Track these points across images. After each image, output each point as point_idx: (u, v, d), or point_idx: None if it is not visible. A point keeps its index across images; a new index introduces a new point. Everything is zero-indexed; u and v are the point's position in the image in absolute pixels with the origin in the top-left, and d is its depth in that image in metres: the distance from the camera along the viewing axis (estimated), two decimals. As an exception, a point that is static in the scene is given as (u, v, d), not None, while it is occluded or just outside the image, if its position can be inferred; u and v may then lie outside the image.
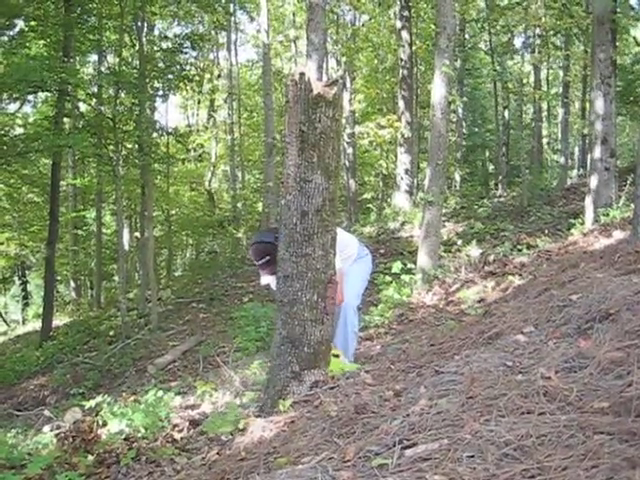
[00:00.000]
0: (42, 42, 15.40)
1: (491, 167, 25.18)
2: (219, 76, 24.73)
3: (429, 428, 1.89)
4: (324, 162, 3.10)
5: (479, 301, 5.30)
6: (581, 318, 2.87)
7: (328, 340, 3.31)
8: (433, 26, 16.70)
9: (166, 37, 16.97)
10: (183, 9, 16.89)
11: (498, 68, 19.81)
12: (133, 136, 15.92)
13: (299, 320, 3.19)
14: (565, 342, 2.58)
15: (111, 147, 15.65)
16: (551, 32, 18.20)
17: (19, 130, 17.25)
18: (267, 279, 3.86)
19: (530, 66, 23.52)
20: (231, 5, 19.68)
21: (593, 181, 9.68)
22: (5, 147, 14.29)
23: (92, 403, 4.46)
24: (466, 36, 21.46)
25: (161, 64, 15.84)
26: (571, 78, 21.54)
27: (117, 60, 17.22)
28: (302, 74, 3.06)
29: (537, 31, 18.00)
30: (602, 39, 9.73)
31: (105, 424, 3.80)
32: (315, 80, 3.07)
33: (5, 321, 28.63)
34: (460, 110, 21.74)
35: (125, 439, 3.42)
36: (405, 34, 16.87)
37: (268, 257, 3.71)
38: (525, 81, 23.64)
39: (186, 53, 16.84)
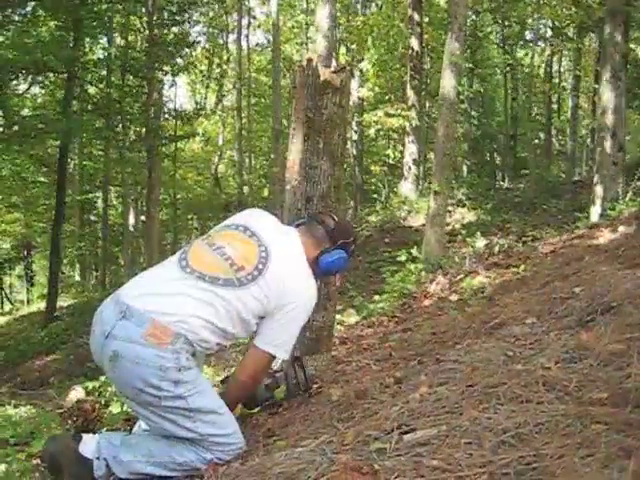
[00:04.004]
0: (53, 23, 15.38)
1: (498, 159, 25.11)
2: (228, 60, 24.69)
3: (428, 415, 1.91)
4: (330, 148, 3.10)
5: (482, 291, 5.31)
6: (583, 310, 2.88)
7: (330, 326, 3.33)
8: (445, 15, 16.64)
9: (176, 20, 16.92)
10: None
11: (508, 58, 19.72)
12: (140, 119, 15.95)
13: (301, 306, 3.19)
14: (566, 334, 2.59)
15: (118, 129, 15.69)
16: (564, 24, 18.07)
17: (27, 111, 17.26)
18: None
19: (541, 59, 23.42)
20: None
21: (601, 175, 9.66)
22: (15, 127, 14.33)
23: (95, 384, 4.50)
24: (477, 25, 21.34)
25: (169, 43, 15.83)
26: (581, 71, 21.42)
27: (124, 43, 17.21)
28: (310, 60, 3.06)
29: (549, 23, 17.90)
30: (614, 32, 9.67)
31: (107, 405, 3.83)
32: (323, 66, 3.06)
33: (10, 301, 28.80)
34: (470, 100, 21.64)
35: (126, 419, 3.45)
36: (416, 23, 16.78)
37: None
38: (535, 73, 23.54)
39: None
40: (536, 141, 22.97)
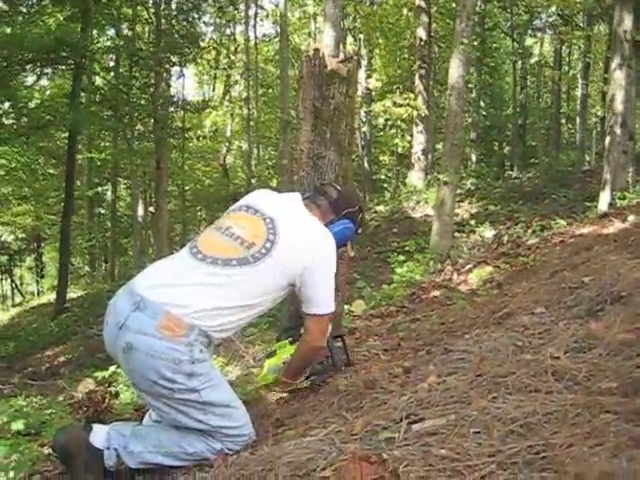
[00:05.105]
0: (61, 15, 15.38)
1: (507, 148, 25.01)
2: (236, 51, 24.64)
3: (437, 404, 1.91)
4: (337, 138, 3.09)
5: (491, 281, 5.30)
6: (592, 300, 2.87)
7: (338, 316, 3.32)
8: (453, 4, 16.56)
9: (183, 10, 16.89)
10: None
11: (517, 46, 19.60)
12: (147, 110, 15.96)
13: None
14: (575, 323, 2.58)
15: (126, 121, 15.70)
16: (574, 11, 17.93)
17: (35, 103, 17.27)
18: None
19: (550, 46, 23.26)
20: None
21: (610, 164, 9.60)
22: (24, 118, 14.36)
23: (105, 374, 4.52)
24: (487, 14, 21.20)
25: (177, 36, 15.81)
26: (591, 59, 21.26)
27: (132, 34, 17.18)
28: (316, 50, 3.05)
29: (559, 10, 17.74)
30: (624, 19, 9.58)
31: (117, 395, 3.85)
32: (330, 56, 3.06)
33: (20, 292, 28.97)
34: (478, 89, 21.53)
35: (136, 409, 3.47)
36: (424, 11, 16.69)
37: None
38: (544, 62, 23.40)
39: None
40: (543, 131, 22.87)
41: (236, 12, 23.02)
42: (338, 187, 2.84)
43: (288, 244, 2.48)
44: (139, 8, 17.24)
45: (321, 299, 2.58)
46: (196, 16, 17.25)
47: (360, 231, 2.93)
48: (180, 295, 2.32)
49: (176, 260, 2.53)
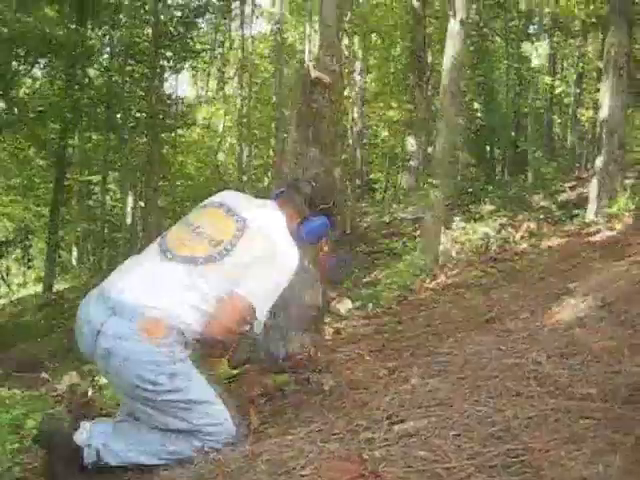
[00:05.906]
0: (50, 9, 15.30)
1: (498, 151, 25.00)
2: (230, 48, 24.57)
3: (418, 406, 1.92)
4: (319, 138, 3.40)
5: (478, 285, 5.32)
6: (577, 306, 2.89)
7: (318, 307, 3.30)
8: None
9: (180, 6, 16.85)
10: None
11: (512, 51, 19.66)
12: (141, 105, 15.90)
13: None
14: (560, 329, 2.60)
15: (119, 115, 15.63)
16: (569, 19, 18.01)
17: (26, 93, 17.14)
18: None
19: (544, 52, 23.34)
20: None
21: (600, 172, 9.64)
22: (17, 110, 14.28)
23: (90, 367, 4.50)
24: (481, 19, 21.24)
25: (174, 31, 15.76)
26: (584, 67, 21.36)
27: (129, 33, 17.06)
28: (302, 61, 3.32)
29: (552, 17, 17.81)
30: (617, 29, 9.62)
31: (101, 388, 3.84)
32: (313, 67, 3.48)
33: (7, 284, 28.78)
34: (471, 92, 21.56)
35: (119, 404, 3.46)
36: (419, 16, 16.73)
37: None
38: (539, 68, 23.48)
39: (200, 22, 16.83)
40: (535, 136, 22.93)
41: (231, 8, 22.95)
42: (312, 183, 2.80)
43: (251, 245, 2.44)
44: (137, 3, 17.15)
45: (261, 296, 2.45)
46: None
47: (337, 232, 2.90)
48: (155, 296, 2.30)
49: (146, 258, 2.50)
